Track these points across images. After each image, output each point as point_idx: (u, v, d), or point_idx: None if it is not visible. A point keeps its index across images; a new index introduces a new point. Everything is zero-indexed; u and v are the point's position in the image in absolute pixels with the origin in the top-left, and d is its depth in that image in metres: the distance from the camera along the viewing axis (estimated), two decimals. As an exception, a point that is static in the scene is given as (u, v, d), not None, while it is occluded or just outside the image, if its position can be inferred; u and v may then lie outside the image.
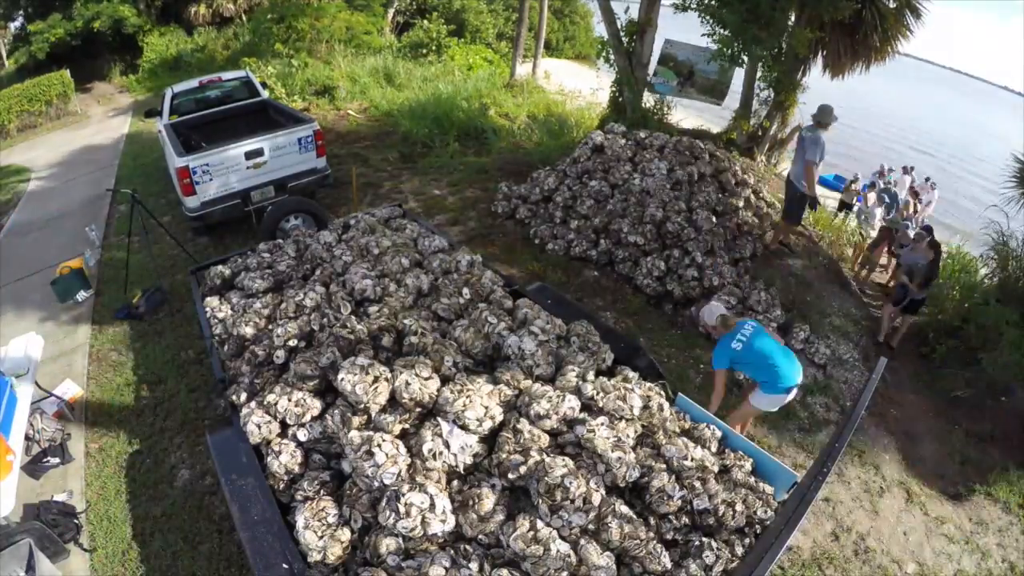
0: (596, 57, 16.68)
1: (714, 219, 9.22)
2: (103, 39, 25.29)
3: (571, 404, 4.41)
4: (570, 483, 3.76)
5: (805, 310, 8.66)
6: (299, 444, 4.56)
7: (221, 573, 5.17)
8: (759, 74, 11.85)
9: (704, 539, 3.86)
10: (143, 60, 25.62)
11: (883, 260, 11.34)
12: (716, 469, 4.30)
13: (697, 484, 4.07)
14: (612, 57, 12.69)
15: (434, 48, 23.24)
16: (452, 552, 3.66)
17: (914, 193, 13.91)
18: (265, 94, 12.55)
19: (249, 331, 5.64)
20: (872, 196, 12.83)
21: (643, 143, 10.70)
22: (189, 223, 9.73)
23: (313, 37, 21.71)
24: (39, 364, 6.65)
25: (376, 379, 4.41)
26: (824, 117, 8.67)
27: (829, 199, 15.17)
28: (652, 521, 4.00)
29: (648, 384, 4.90)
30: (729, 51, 11.05)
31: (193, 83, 12.06)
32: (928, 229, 9.31)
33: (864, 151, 29.56)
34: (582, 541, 3.67)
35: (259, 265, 6.78)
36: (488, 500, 3.83)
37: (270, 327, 5.55)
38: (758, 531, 4.10)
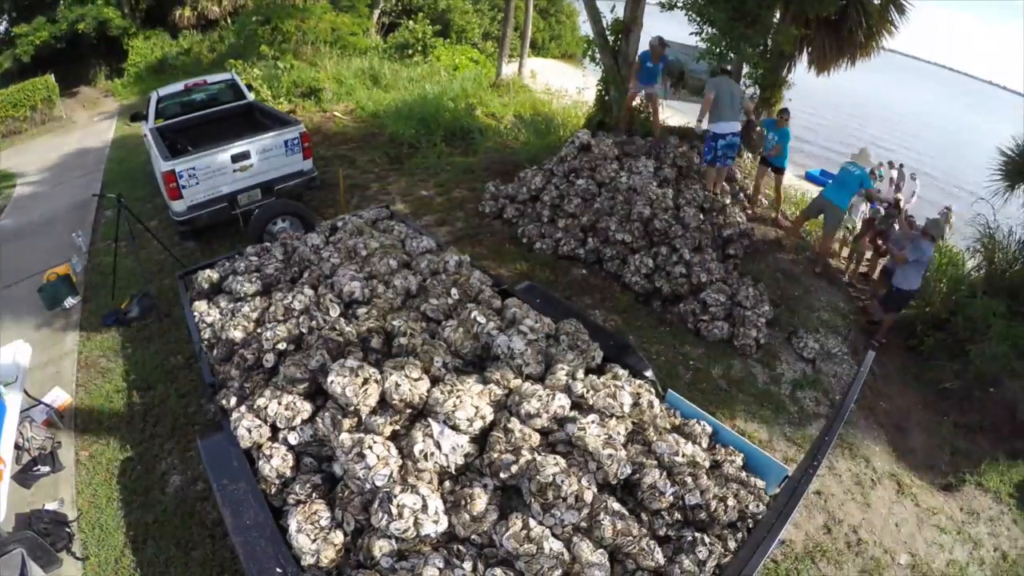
0: (582, 56, 16.69)
1: (701, 216, 9.24)
2: (88, 42, 25.13)
3: (561, 402, 4.42)
4: (562, 481, 3.77)
5: (793, 305, 8.70)
6: (290, 447, 4.55)
7: (214, 578, 5.17)
8: (745, 71, 11.88)
9: (697, 534, 3.89)
10: (128, 64, 25.43)
11: (868, 254, 11.39)
12: (707, 464, 4.32)
13: (688, 480, 4.09)
14: (598, 56, 12.67)
15: (420, 49, 23.20)
16: (445, 553, 3.66)
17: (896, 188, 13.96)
18: (251, 97, 12.49)
19: (238, 335, 5.63)
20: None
21: (629, 144, 10.80)
22: (176, 227, 9.69)
23: (299, 39, 21.63)
24: (28, 372, 6.61)
25: (366, 381, 4.41)
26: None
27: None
28: (644, 517, 4.02)
29: (638, 381, 4.92)
30: (717, 49, 11.07)
31: (178, 86, 11.99)
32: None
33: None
34: (575, 539, 3.68)
35: (247, 269, 6.75)
36: (480, 500, 3.84)
37: (259, 330, 5.53)
38: (750, 525, 4.12)
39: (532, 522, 3.69)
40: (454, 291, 5.87)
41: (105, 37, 25.12)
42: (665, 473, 4.13)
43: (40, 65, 23.57)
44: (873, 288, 9.79)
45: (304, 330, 5.38)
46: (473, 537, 3.78)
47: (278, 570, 3.70)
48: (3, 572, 4.61)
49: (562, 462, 3.95)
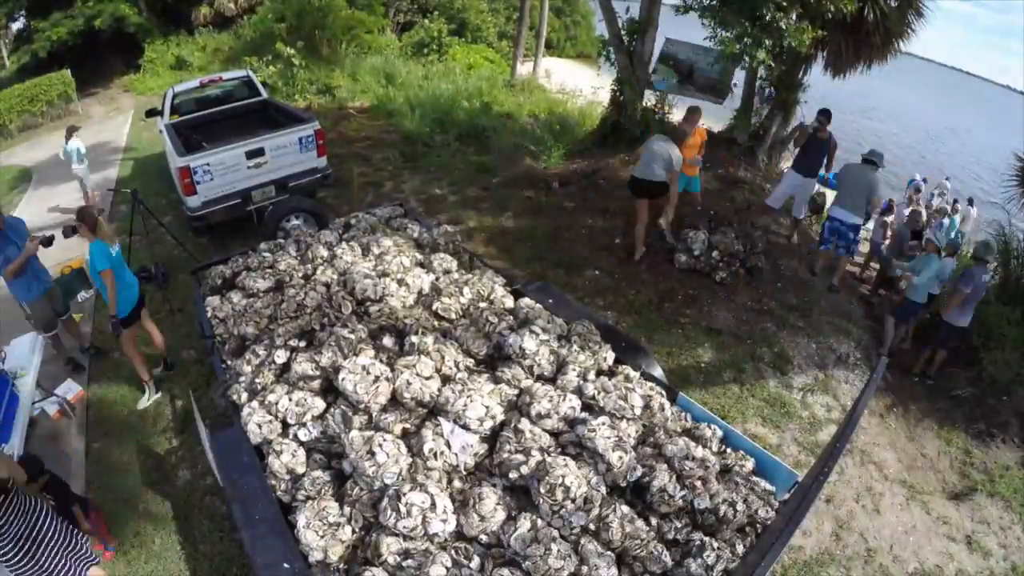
0: (597, 56, 16.67)
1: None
2: (104, 39, 25.24)
3: (572, 403, 4.41)
4: (571, 483, 3.75)
5: (806, 308, 8.65)
6: (300, 444, 4.56)
7: (222, 573, 5.18)
8: (761, 73, 11.83)
9: (705, 538, 3.86)
10: (144, 60, 25.56)
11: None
12: (717, 468, 4.29)
13: (698, 483, 4.07)
14: (613, 56, 12.67)
15: (435, 47, 23.25)
16: (453, 552, 3.65)
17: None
18: (266, 93, 12.53)
19: (250, 330, 5.65)
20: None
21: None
22: (190, 223, 9.72)
23: (315, 36, 21.69)
24: (40, 364, 6.65)
25: (377, 379, 4.41)
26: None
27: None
28: (653, 521, 4.00)
29: (649, 383, 4.91)
30: (731, 52, 11.02)
31: (194, 83, 12.05)
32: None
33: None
34: (583, 541, 3.67)
35: (260, 265, 6.77)
36: (489, 500, 3.83)
37: (271, 327, 5.55)
38: (759, 530, 4.10)
39: (540, 523, 3.68)
40: (467, 290, 5.87)
41: (122, 34, 25.22)
42: (675, 476, 4.11)
43: (57, 60, 23.72)
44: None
45: (316, 327, 5.40)
46: (481, 537, 3.78)
47: (285, 565, 3.70)
48: None
49: (572, 463, 3.93)
